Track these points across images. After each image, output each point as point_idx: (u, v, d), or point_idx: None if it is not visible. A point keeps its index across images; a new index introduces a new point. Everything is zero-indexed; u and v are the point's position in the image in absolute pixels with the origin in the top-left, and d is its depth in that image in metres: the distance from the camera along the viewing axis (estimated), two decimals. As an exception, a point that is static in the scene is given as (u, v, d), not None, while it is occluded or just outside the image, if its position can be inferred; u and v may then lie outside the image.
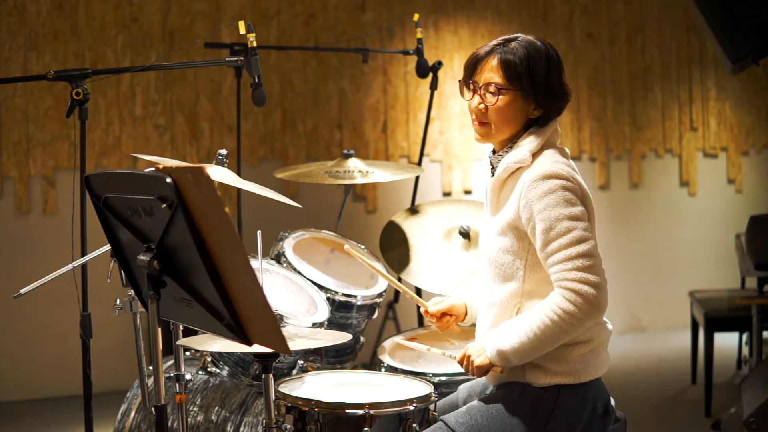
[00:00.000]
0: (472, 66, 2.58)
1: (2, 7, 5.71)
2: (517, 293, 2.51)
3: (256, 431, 3.11)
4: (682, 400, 5.48)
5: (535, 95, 2.52)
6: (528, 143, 2.53)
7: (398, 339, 3.31)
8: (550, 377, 2.49)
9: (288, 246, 3.56)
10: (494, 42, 2.57)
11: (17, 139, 5.76)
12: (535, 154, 2.52)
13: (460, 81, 2.62)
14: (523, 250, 2.50)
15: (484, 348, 2.52)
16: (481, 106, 2.56)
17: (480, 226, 3.09)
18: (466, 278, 3.60)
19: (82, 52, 5.85)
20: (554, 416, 2.48)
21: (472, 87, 2.58)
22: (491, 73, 2.54)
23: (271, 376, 2.50)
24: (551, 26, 7.21)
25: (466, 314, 2.79)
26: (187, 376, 2.87)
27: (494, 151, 2.63)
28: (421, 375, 3.10)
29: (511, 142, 2.57)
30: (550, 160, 2.49)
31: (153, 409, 2.22)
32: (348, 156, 3.99)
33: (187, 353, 3.39)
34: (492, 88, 2.53)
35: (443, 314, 2.78)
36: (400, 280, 4.97)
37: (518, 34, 2.57)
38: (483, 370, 2.52)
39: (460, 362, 2.59)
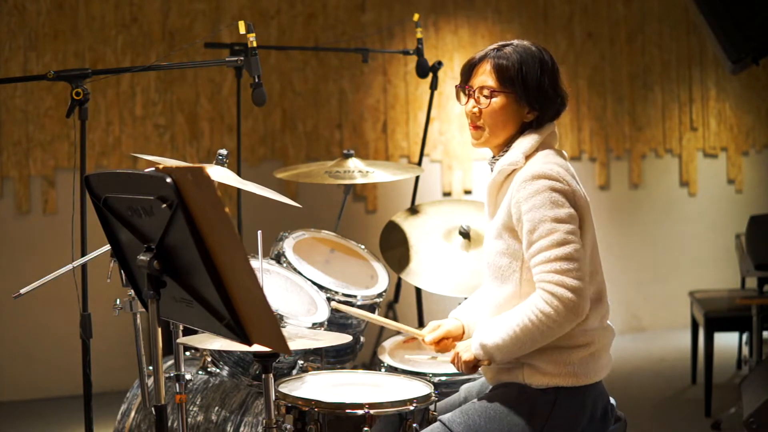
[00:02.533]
0: (468, 71, 2.63)
1: (2, 7, 5.71)
2: (515, 295, 2.52)
3: (256, 431, 3.11)
4: (682, 400, 5.48)
5: (527, 98, 2.55)
6: (521, 145, 2.56)
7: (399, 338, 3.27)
8: (548, 379, 2.49)
9: (288, 246, 3.56)
10: (489, 47, 2.62)
11: (17, 139, 5.75)
12: (529, 156, 2.54)
13: (456, 86, 2.66)
14: (519, 252, 2.51)
15: (470, 344, 2.54)
16: (476, 109, 2.59)
17: (483, 230, 3.11)
18: (466, 278, 3.60)
19: (82, 52, 5.85)
20: (552, 418, 2.48)
21: (467, 92, 2.62)
22: (485, 77, 2.58)
23: (271, 376, 2.50)
24: (551, 26, 7.21)
25: (463, 334, 2.82)
26: (187, 376, 2.87)
27: (493, 156, 2.65)
28: (421, 375, 3.10)
29: (506, 146, 2.60)
30: (542, 161, 2.51)
31: (153, 409, 2.21)
32: (348, 156, 3.99)
33: (187, 353, 3.39)
34: (485, 92, 2.57)
35: (441, 339, 2.81)
36: (399, 281, 4.99)
37: (514, 40, 2.62)
38: (470, 365, 2.54)
39: (452, 362, 2.61)
